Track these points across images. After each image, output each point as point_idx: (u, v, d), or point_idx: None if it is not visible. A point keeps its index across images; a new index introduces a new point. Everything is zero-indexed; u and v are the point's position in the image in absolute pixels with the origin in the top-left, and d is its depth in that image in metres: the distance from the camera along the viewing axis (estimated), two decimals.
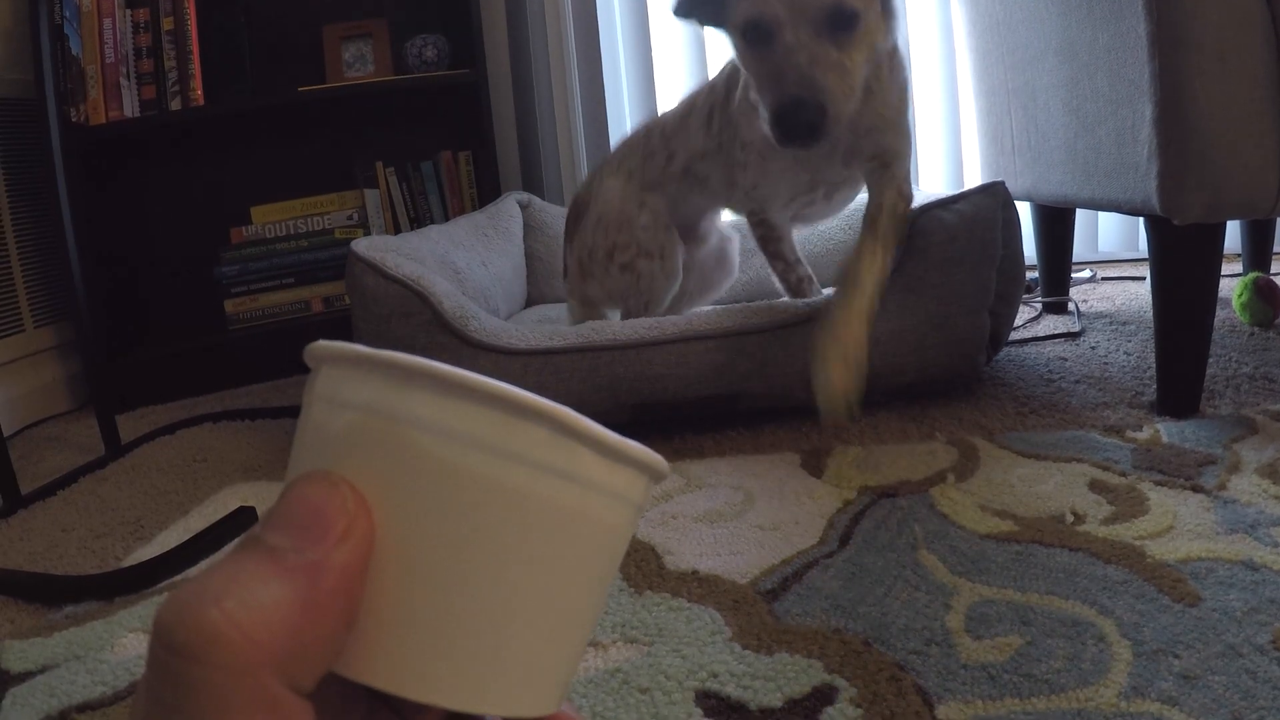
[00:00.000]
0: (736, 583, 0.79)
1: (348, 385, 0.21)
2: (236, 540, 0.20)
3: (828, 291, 1.33)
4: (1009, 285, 1.29)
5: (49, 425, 1.84)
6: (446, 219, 2.10)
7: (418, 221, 2.15)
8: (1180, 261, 1.11)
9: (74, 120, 1.87)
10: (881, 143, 1.23)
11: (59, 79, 1.72)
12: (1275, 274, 1.60)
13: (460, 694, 0.22)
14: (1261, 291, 1.52)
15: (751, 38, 1.06)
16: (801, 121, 1.00)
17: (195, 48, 1.99)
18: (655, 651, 0.70)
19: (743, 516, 0.94)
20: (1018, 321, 1.62)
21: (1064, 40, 1.30)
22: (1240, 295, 1.54)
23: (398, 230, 2.13)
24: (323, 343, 0.22)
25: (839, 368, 1.04)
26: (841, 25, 1.01)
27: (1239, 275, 1.61)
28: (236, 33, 2.07)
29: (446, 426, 0.20)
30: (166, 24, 1.99)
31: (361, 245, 1.30)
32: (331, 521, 0.20)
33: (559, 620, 0.22)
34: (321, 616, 0.19)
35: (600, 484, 0.22)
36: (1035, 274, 1.82)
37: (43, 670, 0.78)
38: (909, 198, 1.22)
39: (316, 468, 0.21)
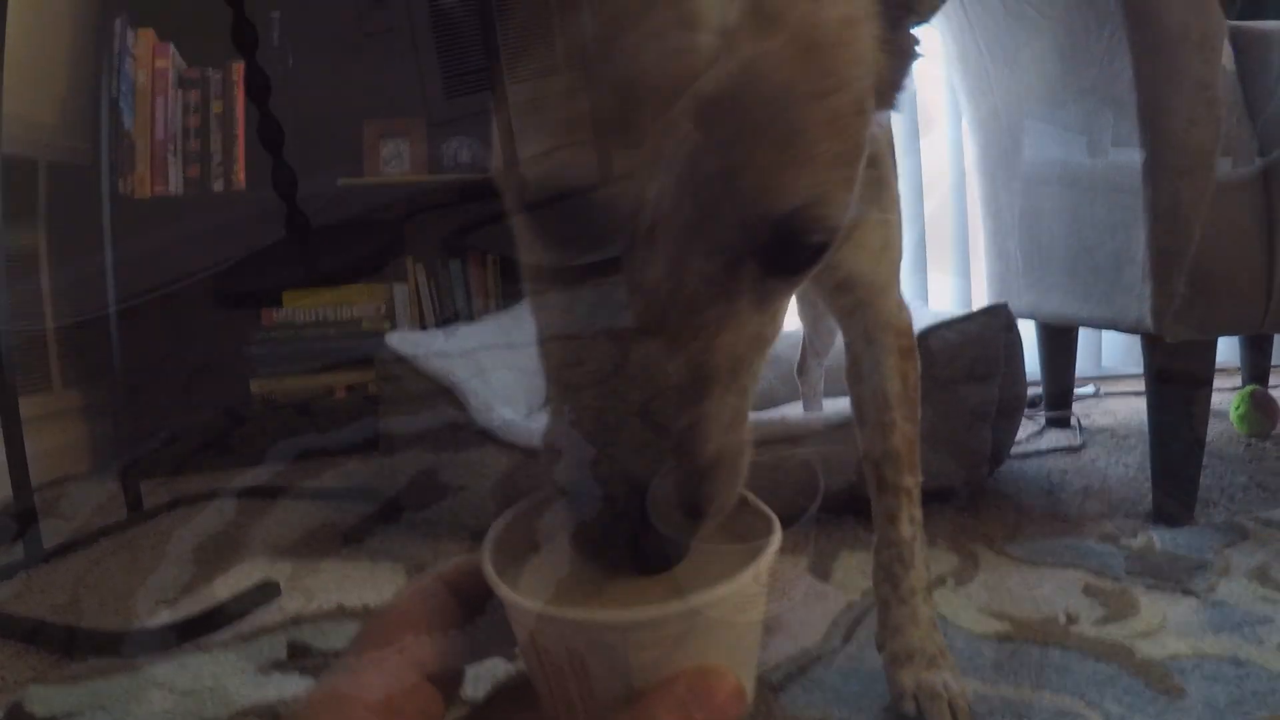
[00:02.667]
0: None
1: (672, 624, 0.33)
2: (662, 698, 0.32)
3: (837, 405, 1.36)
4: (1010, 402, 1.33)
5: (68, 485, 1.87)
6: (471, 318, 2.16)
7: (443, 318, 2.21)
8: (1173, 377, 1.16)
9: (120, 191, 1.94)
10: (856, 267, 0.75)
11: (112, 151, 1.80)
12: (1273, 387, 1.65)
13: None
14: (1258, 404, 1.57)
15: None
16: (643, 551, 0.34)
17: (241, 132, 2.09)
18: None
19: None
20: (1021, 435, 1.65)
21: (1065, 169, 1.38)
22: (1238, 407, 1.59)
23: (424, 324, 2.20)
24: (643, 613, 0.32)
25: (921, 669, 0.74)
26: (791, 262, 0.36)
27: (1237, 388, 1.66)
28: (280, 123, 2.18)
29: (733, 607, 0.33)
30: (216, 107, 2.08)
31: (395, 339, 1.36)
32: (734, 705, 0.32)
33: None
34: None
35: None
36: (1039, 389, 1.86)
37: (68, 716, 0.80)
38: (913, 349, 0.82)
39: (678, 666, 0.32)
